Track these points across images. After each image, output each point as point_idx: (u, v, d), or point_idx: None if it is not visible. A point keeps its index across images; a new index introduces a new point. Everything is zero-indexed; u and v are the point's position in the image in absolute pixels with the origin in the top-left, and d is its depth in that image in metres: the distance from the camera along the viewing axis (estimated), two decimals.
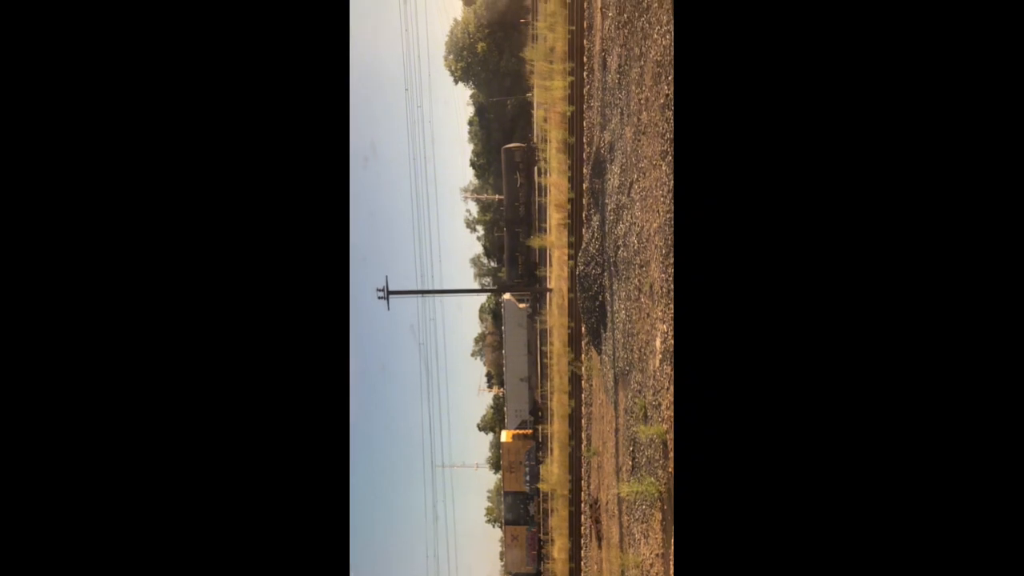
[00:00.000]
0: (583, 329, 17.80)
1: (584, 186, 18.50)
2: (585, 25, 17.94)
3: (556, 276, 27.61)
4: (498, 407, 65.46)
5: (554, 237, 27.96)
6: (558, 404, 26.72)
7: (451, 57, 66.37)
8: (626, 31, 12.33)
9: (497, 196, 65.06)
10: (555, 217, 26.20)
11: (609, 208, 14.39)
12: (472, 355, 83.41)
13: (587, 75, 17.80)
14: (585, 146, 18.32)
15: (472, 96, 67.86)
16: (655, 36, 10.56)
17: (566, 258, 24.58)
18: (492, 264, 74.00)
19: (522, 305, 43.37)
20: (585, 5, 18.20)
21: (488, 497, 78.28)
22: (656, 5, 10.12)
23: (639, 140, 11.66)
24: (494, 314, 72.68)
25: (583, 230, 18.87)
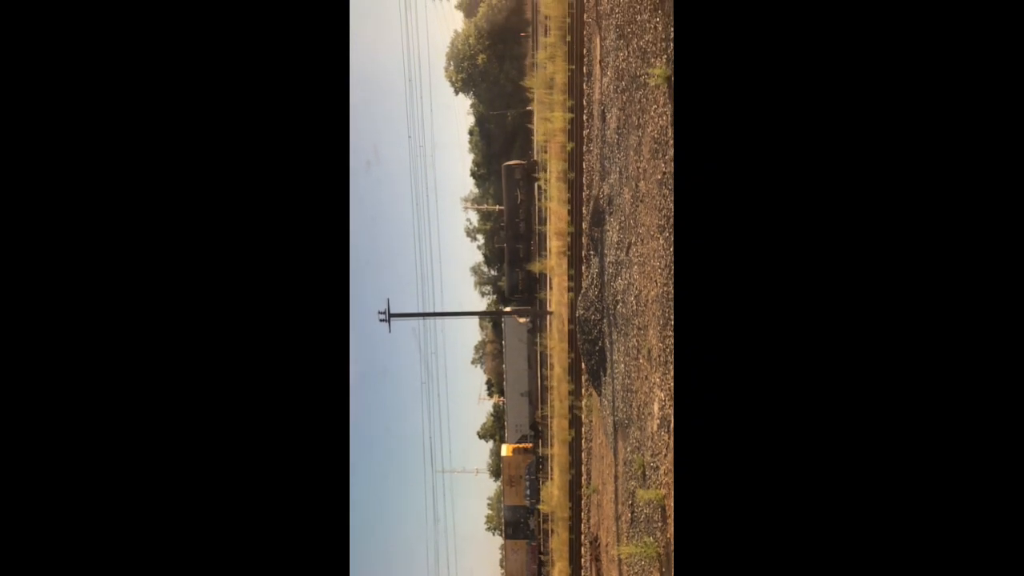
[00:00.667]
0: (583, 367, 18.13)
1: (584, 226, 18.84)
2: (584, 71, 18.27)
3: (556, 301, 27.93)
4: (498, 415, 65.77)
5: (554, 262, 28.27)
6: (558, 428, 27.03)
7: (451, 67, 66.64)
8: (624, 97, 12.66)
9: (497, 207, 65.38)
10: (555, 244, 26.53)
11: (608, 260, 14.73)
12: (472, 363, 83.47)
13: (587, 118, 18.13)
14: (584, 187, 18.66)
15: (472, 106, 68.14)
16: (652, 113, 10.90)
17: (566, 284, 24.92)
18: (492, 272, 74.29)
19: (522, 320, 43.68)
20: (584, 52, 18.53)
21: (488, 504, 78.46)
22: (653, 85, 10.46)
23: (637, 206, 12.00)
24: (494, 322, 72.97)
25: (583, 268, 19.21)
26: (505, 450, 45.34)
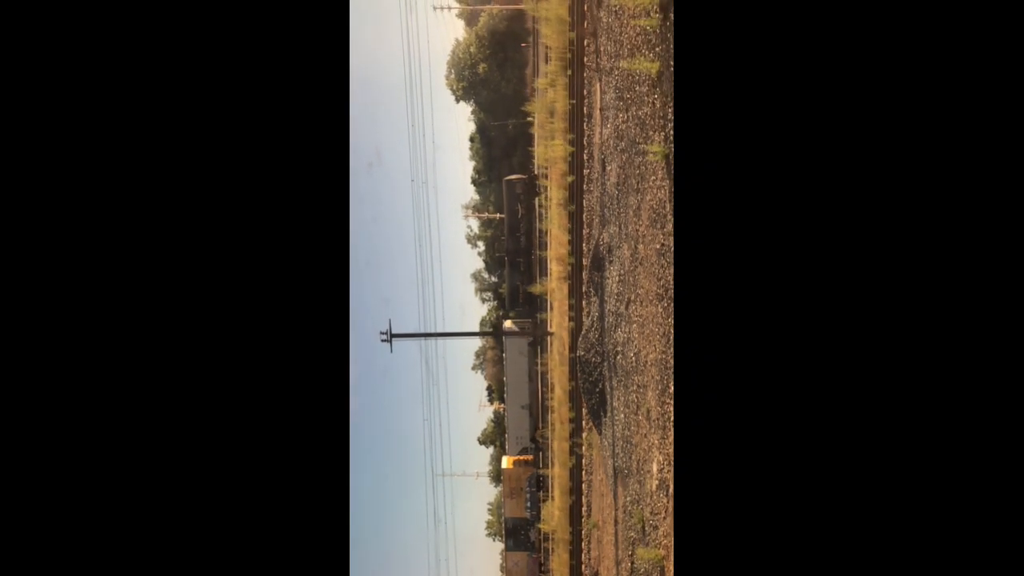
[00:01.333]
0: (583, 404, 18.45)
1: (584, 261, 19.13)
2: (585, 111, 18.56)
3: (557, 324, 28.24)
4: (498, 421, 66.13)
5: (554, 285, 28.57)
6: (559, 451, 27.35)
7: (452, 75, 66.90)
8: (624, 157, 12.96)
9: (498, 215, 65.68)
10: (556, 269, 26.84)
11: (608, 307, 15.02)
12: (472, 368, 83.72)
13: (587, 158, 18.43)
14: (584, 224, 18.95)
15: (473, 112, 68.36)
16: (651, 183, 11.20)
17: (567, 309, 25.22)
18: (493, 279, 74.56)
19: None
20: (585, 94, 18.81)
21: (488, 510, 78.79)
22: (652, 157, 10.76)
23: (636, 267, 12.30)
24: (494, 328, 73.28)
25: (583, 303, 19.52)
26: (506, 462, 45.63)
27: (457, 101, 68.85)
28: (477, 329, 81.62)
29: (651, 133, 11.02)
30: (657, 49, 10.42)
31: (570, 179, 22.44)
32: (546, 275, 29.96)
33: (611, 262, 14.84)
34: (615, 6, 12.99)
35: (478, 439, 77.41)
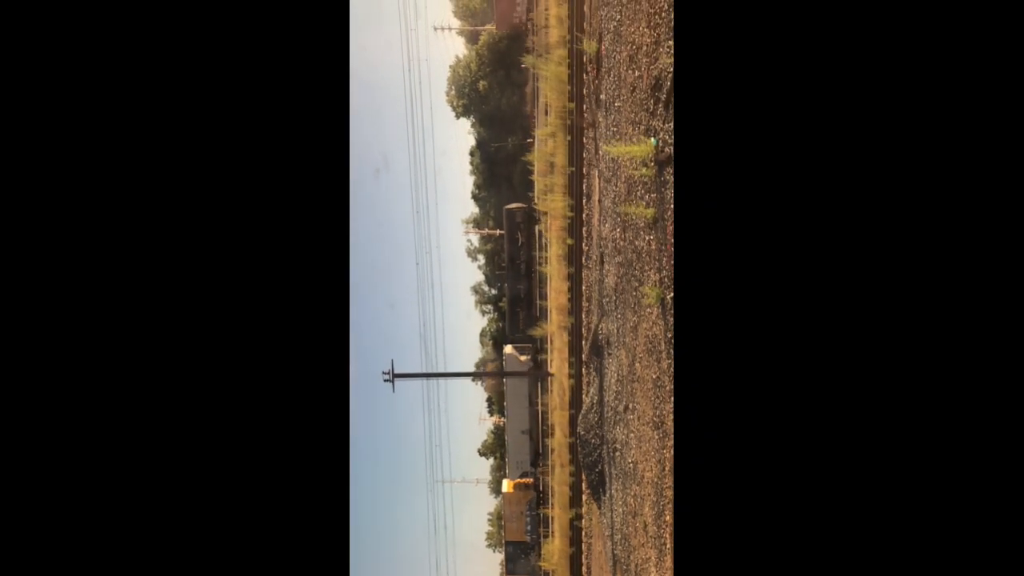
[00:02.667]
0: (583, 477, 19.03)
1: (584, 343, 19.67)
2: (584, 191, 19.10)
3: (557, 367, 28.82)
4: (498, 433, 66.83)
5: (554, 330, 29.16)
6: (560, 494, 27.98)
7: (452, 92, 67.33)
8: (621, 271, 13.51)
9: (498, 231, 66.21)
10: (556, 318, 27.44)
11: (608, 399, 15.58)
12: (473, 380, 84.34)
13: (585, 236, 18.97)
14: (584, 300, 19.50)
15: (472, 126, 68.79)
16: (646, 317, 11.75)
17: (567, 353, 25.80)
18: (492, 292, 75.12)
19: (523, 358, 44.58)
20: (584, 173, 19.33)
21: (489, 521, 79.50)
22: (647, 300, 11.30)
23: (633, 383, 12.87)
24: (495, 340, 73.95)
25: (583, 370, 20.08)
26: (506, 486, 46.17)
27: (457, 117, 69.30)
28: (477, 344, 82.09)
29: (647, 270, 11.58)
30: (652, 196, 10.97)
31: (570, 242, 23.00)
32: (547, 319, 30.57)
33: (610, 355, 15.39)
34: (614, 156, 13.49)
35: (478, 450, 78.04)
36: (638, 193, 11.70)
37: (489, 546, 76.44)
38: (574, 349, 23.61)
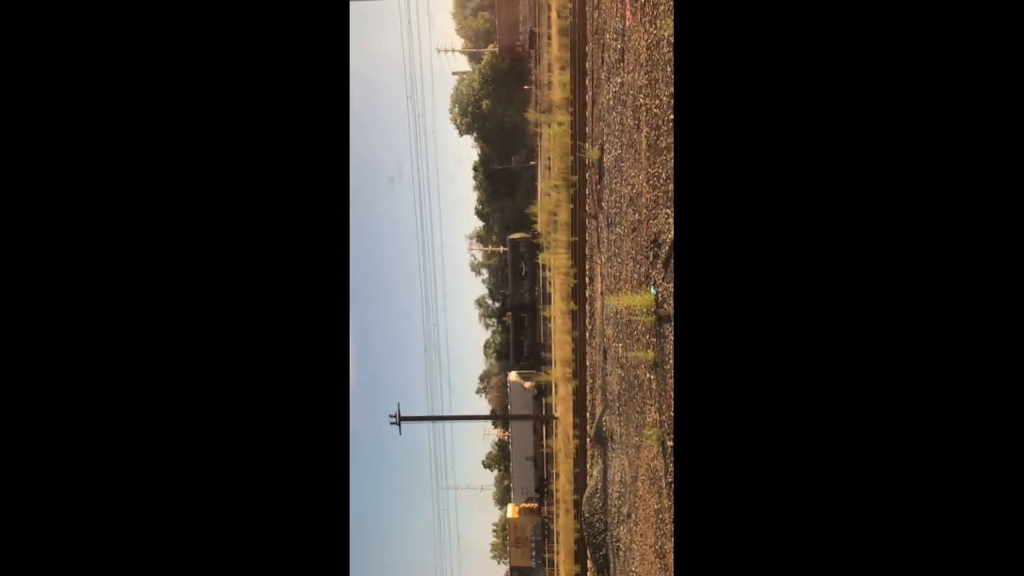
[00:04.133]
0: (588, 554, 19.59)
1: (589, 427, 20.19)
2: (587, 275, 19.58)
3: (562, 413, 29.35)
4: (503, 446, 67.52)
5: (559, 375, 29.67)
6: (565, 537, 28.58)
7: (456, 110, 67.75)
8: (624, 385, 14.02)
9: (502, 248, 66.73)
10: (560, 371, 27.94)
11: (611, 493, 16.09)
12: (477, 392, 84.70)
13: (588, 323, 19.47)
14: (588, 388, 20.01)
15: (476, 141, 69.20)
16: (646, 450, 12.27)
17: (571, 404, 26.33)
18: (496, 305, 75.66)
19: (528, 384, 45.13)
20: (587, 253, 19.80)
21: (493, 531, 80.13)
22: (647, 440, 11.82)
23: (635, 497, 13.39)
24: (499, 353, 74.58)
25: (587, 445, 20.62)
26: (511, 511, 46.67)
27: (461, 135, 69.71)
28: (482, 355, 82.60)
29: (648, 402, 12.10)
30: (653, 340, 11.48)
31: (574, 307, 23.49)
32: (552, 364, 31.09)
33: (613, 451, 15.90)
34: (618, 310, 13.94)
35: (482, 462, 78.65)
36: (638, 333, 12.21)
37: (494, 557, 77.14)
38: (578, 408, 24.14)
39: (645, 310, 11.38)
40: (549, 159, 27.83)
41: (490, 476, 78.20)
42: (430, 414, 32.17)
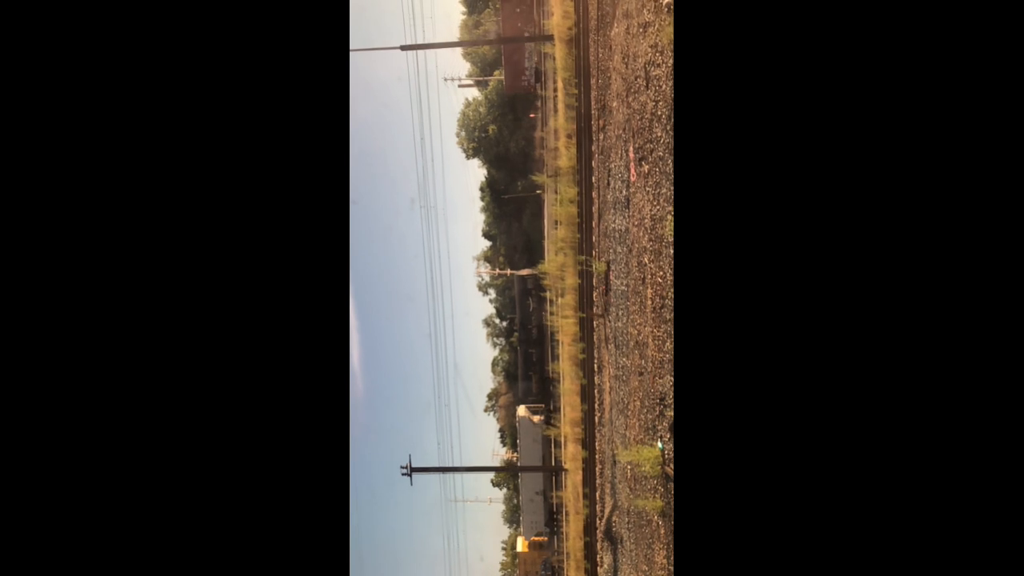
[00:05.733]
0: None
1: (599, 523, 20.57)
2: (595, 364, 19.96)
3: (571, 461, 29.75)
4: (511, 466, 68.03)
5: (568, 429, 30.06)
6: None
7: (463, 135, 68.15)
8: (634, 516, 14.43)
9: (509, 271, 67.22)
10: (570, 431, 28.35)
11: (622, 568, 16.47)
12: (485, 410, 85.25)
13: (597, 397, 19.86)
14: (597, 472, 20.41)
15: (482, 164, 69.61)
16: (657, 552, 12.68)
17: (580, 454, 26.71)
18: (503, 324, 76.13)
19: (536, 418, 45.59)
20: (595, 355, 20.17)
21: (502, 550, 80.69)
22: (649, 521, 12.22)
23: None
24: (507, 373, 75.06)
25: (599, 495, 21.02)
26: (520, 545, 47.06)
27: (468, 158, 70.14)
28: (490, 374, 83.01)
29: (656, 544, 12.49)
30: (660, 490, 11.89)
31: (583, 381, 23.87)
32: (561, 417, 31.48)
33: (623, 556, 16.29)
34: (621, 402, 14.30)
35: (491, 481, 79.18)
36: (647, 482, 12.61)
37: None
38: (587, 479, 24.53)
39: (653, 462, 11.79)
40: (557, 222, 28.24)
41: (500, 495, 78.59)
42: (439, 467, 32.61)
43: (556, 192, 27.12)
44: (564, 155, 25.80)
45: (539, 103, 45.76)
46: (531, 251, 68.08)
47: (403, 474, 32.72)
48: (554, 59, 25.98)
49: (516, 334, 48.04)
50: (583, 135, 20.17)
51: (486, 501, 79.51)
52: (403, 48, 27.38)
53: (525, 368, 46.70)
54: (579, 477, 26.95)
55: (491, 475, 76.16)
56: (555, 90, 29.22)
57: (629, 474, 13.90)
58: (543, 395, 45.98)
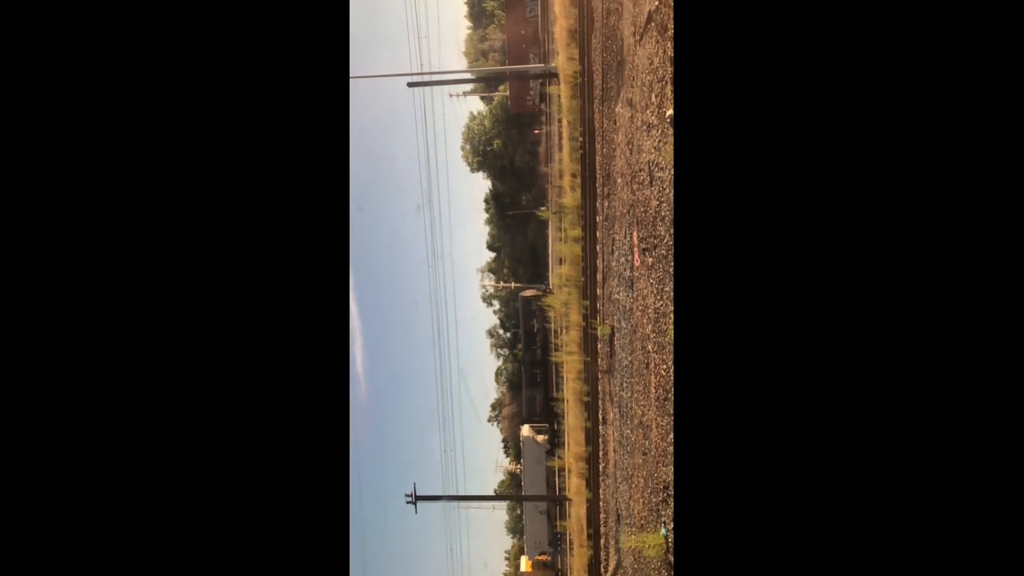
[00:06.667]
0: None
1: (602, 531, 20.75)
2: (599, 417, 20.15)
3: (575, 494, 29.95)
4: (515, 476, 68.32)
5: (572, 461, 30.26)
6: None
7: (468, 148, 68.38)
8: None
9: (513, 284, 67.45)
10: (575, 466, 28.57)
11: None
12: (488, 421, 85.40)
13: (602, 450, 20.05)
14: (601, 503, 20.59)
15: (487, 177, 69.83)
16: None
17: (584, 492, 26.93)
18: (507, 335, 76.36)
19: (540, 438, 45.78)
20: (599, 409, 20.36)
21: (505, 559, 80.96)
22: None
23: None
24: (510, 383, 75.28)
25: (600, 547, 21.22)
26: (524, 564, 47.24)
27: (472, 171, 70.34)
28: (492, 381, 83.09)
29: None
30: (664, 574, 12.09)
31: (587, 424, 24.08)
32: (565, 448, 31.72)
33: None
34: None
35: (494, 490, 79.46)
36: (650, 562, 12.82)
37: None
38: (591, 519, 24.74)
39: (657, 548, 12.00)
40: (561, 259, 28.43)
41: (503, 507, 78.88)
42: (444, 495, 32.83)
43: (561, 229, 27.29)
44: (569, 195, 26.01)
45: (544, 118, 45.96)
46: (536, 263, 68.35)
47: (407, 502, 32.93)
48: (559, 100, 26.18)
49: (520, 346, 48.21)
50: (587, 195, 20.35)
51: (489, 507, 79.76)
52: (410, 85, 27.55)
53: (529, 388, 46.88)
54: (583, 511, 27.15)
55: (494, 481, 76.38)
56: (559, 125, 29.45)
57: (633, 546, 14.11)
58: (547, 415, 46.17)
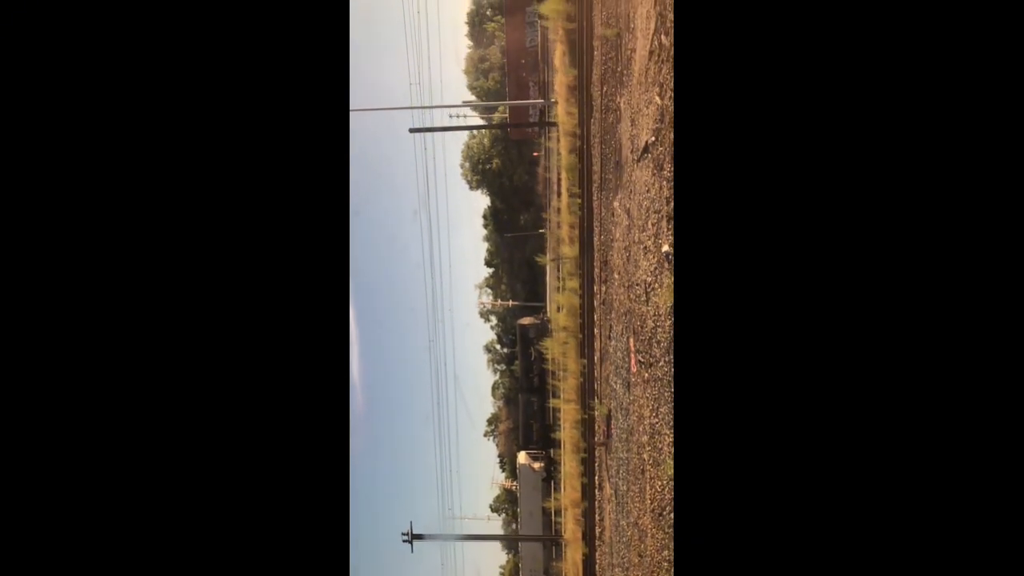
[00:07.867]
0: None
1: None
2: (596, 479, 20.27)
3: (572, 540, 30.09)
4: (511, 493, 68.41)
5: (567, 503, 30.39)
6: None
7: (467, 166, 68.50)
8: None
9: (512, 302, 67.62)
10: (571, 510, 28.68)
11: None
12: (484, 435, 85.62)
13: (599, 509, 20.17)
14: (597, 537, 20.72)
15: (485, 194, 69.92)
16: None
17: (580, 536, 27.06)
18: (504, 351, 76.45)
19: (537, 465, 45.90)
20: (595, 473, 20.47)
21: (501, 575, 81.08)
22: None
23: None
24: (506, 399, 75.37)
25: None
26: None
27: (472, 189, 70.46)
28: (489, 395, 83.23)
29: None
30: None
31: (583, 481, 24.19)
32: (561, 489, 31.81)
33: None
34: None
35: (490, 506, 79.52)
36: None
37: None
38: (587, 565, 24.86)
39: None
40: (559, 307, 28.53)
41: (498, 521, 78.96)
42: (442, 534, 32.95)
43: (559, 278, 27.41)
44: (567, 247, 26.14)
45: (543, 140, 46.11)
46: (535, 281, 68.45)
47: (404, 541, 33.03)
48: (559, 155, 26.29)
49: (517, 362, 48.28)
50: (585, 282, 20.46)
51: (484, 519, 79.98)
52: (412, 131, 27.67)
53: (526, 416, 46.98)
54: (579, 556, 27.29)
55: (489, 495, 76.42)
56: (559, 177, 29.52)
57: None
58: (544, 443, 46.25)
